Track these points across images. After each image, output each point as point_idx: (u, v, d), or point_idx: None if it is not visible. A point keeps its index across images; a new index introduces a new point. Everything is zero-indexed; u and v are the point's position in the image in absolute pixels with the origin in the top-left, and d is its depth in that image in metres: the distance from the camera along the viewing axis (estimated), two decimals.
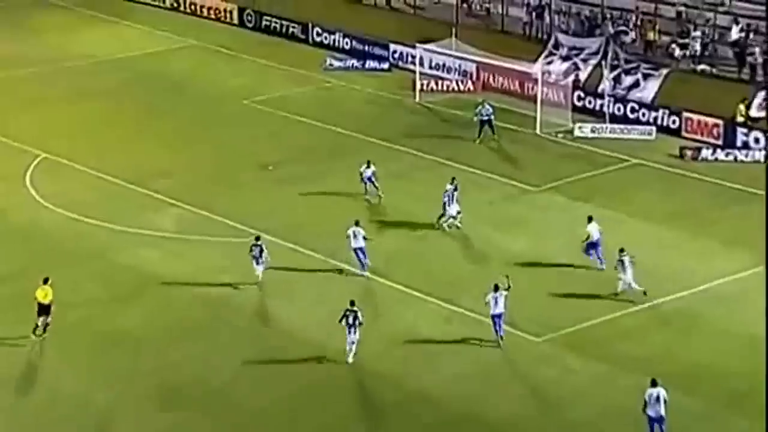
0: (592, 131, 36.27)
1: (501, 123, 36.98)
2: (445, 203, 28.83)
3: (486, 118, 35.32)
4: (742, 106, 35.04)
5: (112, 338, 25.04)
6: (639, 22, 39.08)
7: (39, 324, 24.32)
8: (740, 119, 34.96)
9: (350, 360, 23.62)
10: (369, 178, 30.81)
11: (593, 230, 27.27)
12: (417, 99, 39.39)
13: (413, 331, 25.13)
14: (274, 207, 31.09)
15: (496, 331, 24.26)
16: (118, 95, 40.11)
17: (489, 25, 42.21)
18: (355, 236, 26.68)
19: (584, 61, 39.18)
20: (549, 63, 39.54)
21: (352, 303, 23.91)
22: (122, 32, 47.11)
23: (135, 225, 29.78)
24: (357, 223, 27.16)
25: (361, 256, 26.82)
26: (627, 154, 34.49)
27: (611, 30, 39.45)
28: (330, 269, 27.39)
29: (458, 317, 25.53)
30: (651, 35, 38.67)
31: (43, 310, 24.28)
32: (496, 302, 24.20)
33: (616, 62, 37.98)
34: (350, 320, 23.53)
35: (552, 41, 40.20)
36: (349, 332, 23.52)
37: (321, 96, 40.53)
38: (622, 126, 36.40)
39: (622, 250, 26.08)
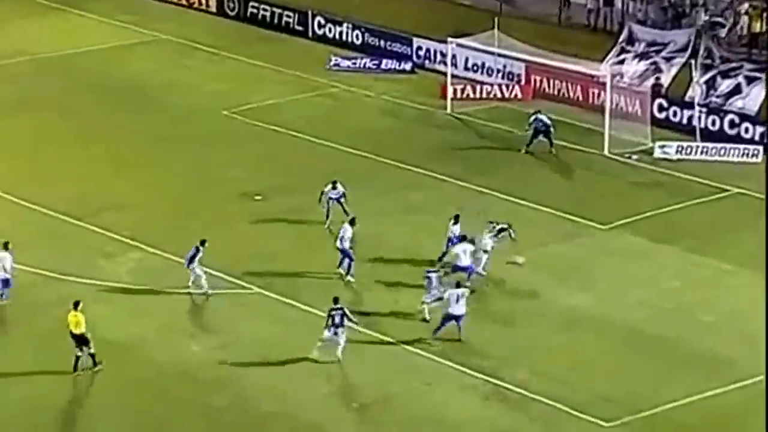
0: (678, 152, 36.12)
1: (559, 141, 36.93)
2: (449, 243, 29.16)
3: (543, 129, 35.40)
4: None
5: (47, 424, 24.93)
6: (741, 10, 38.98)
7: (80, 355, 25.83)
8: None
9: (316, 354, 26.06)
10: (337, 200, 31.53)
11: (460, 251, 28.49)
12: (449, 109, 39.42)
13: (442, 412, 24.98)
14: (263, 248, 31.03)
15: (441, 328, 26.74)
16: (62, 104, 40.17)
17: (543, 14, 42.33)
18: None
19: (667, 60, 39.17)
20: (621, 63, 39.56)
21: (336, 300, 26.08)
22: (69, 23, 47.34)
23: (80, 273, 29.67)
24: (352, 222, 28.97)
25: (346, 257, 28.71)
26: (725, 182, 34.31)
27: (703, 19, 39.45)
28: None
29: (499, 394, 25.41)
30: (757, 26, 38.55)
31: (79, 341, 25.79)
32: (457, 301, 26.42)
33: (709, 61, 37.93)
34: (336, 320, 25.94)
35: (625, 34, 40.24)
36: (328, 330, 25.98)
37: (324, 105, 40.63)
38: (718, 145, 36.21)
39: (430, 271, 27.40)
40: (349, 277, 29.50)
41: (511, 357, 26.51)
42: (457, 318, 26.74)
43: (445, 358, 26.45)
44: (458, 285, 27.09)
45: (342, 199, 31.87)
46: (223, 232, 31.81)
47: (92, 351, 25.92)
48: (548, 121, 35.77)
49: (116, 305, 28.59)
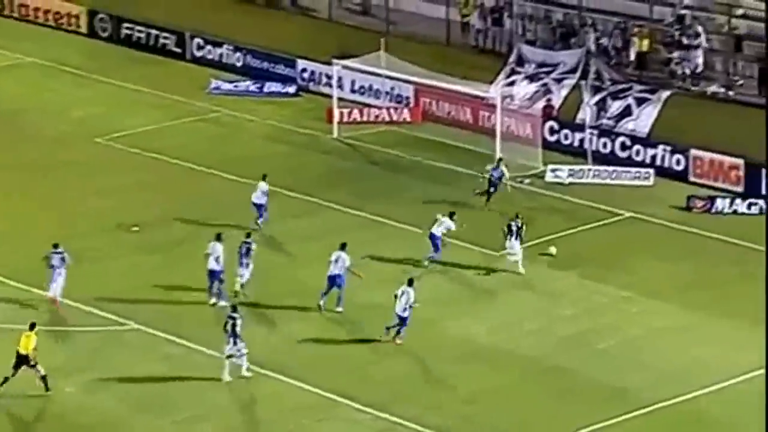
0: (570, 175, 36.82)
1: (447, 165, 37.35)
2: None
3: (495, 180, 34.64)
4: None
5: None
6: (629, 30, 39.95)
7: (10, 377, 25.98)
8: None
9: (226, 377, 26.34)
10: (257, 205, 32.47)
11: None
12: (335, 134, 39.63)
13: None
14: (140, 282, 30.78)
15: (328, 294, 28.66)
16: None
17: (430, 34, 42.81)
18: (211, 253, 29.23)
19: (557, 81, 39.89)
20: (511, 84, 40.20)
21: (234, 308, 26.57)
22: None
23: None
24: (218, 238, 29.31)
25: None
26: (617, 206, 35.06)
27: (593, 40, 40.32)
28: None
29: (391, 430, 25.50)
30: (645, 46, 39.54)
31: (21, 362, 25.93)
32: (336, 261, 28.55)
33: (599, 83, 38.73)
34: (228, 328, 26.29)
35: (514, 55, 40.88)
36: (229, 342, 26.26)
37: (204, 130, 40.52)
38: (609, 168, 37.01)
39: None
40: (215, 299, 29.51)
41: (404, 391, 26.69)
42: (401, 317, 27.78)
43: (335, 393, 26.53)
44: (410, 283, 27.63)
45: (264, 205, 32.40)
46: (98, 265, 31.55)
47: (43, 374, 26.11)
48: (503, 171, 34.65)
49: None
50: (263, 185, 33.31)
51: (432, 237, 31.73)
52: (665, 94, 38.16)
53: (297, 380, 26.87)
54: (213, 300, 29.72)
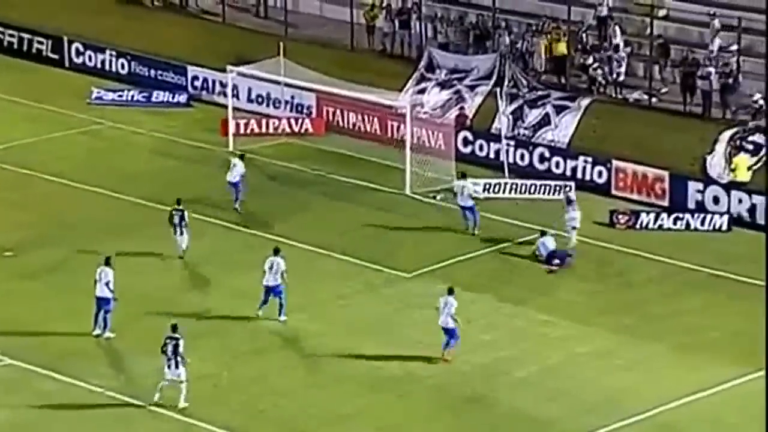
0: (486, 190, 37.13)
1: (354, 180, 37.57)
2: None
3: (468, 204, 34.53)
4: (740, 160, 35.36)
5: None
6: (546, 31, 40.40)
7: None
8: (731, 177, 35.43)
9: (157, 398, 26.68)
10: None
11: None
12: (231, 146, 39.58)
13: None
14: (15, 312, 30.47)
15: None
16: None
17: (333, 38, 42.94)
18: (100, 278, 29.26)
19: (471, 88, 40.25)
20: (421, 92, 40.48)
21: (174, 328, 26.67)
22: None
23: None
24: (107, 262, 29.32)
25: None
26: (536, 222, 35.42)
27: (507, 43, 40.75)
28: (118, 404, 26.98)
29: None
30: (562, 49, 40.01)
31: None
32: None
33: (515, 90, 39.10)
34: (169, 351, 26.49)
35: (424, 60, 41.15)
36: (169, 365, 26.36)
37: (86, 144, 40.29)
38: (527, 182, 37.41)
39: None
40: (107, 333, 29.46)
41: (303, 428, 26.63)
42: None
43: (229, 431, 26.45)
44: (450, 291, 28.66)
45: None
46: None
47: None
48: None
49: None
50: (240, 165, 35.36)
51: (464, 209, 34.01)
52: (585, 101, 38.69)
53: (192, 418, 26.78)
54: (98, 331, 29.54)
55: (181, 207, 32.86)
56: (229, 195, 35.87)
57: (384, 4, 42.73)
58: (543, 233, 33.48)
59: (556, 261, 32.96)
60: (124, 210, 35.84)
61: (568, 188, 36.15)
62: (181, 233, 32.76)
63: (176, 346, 26.54)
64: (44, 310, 30.56)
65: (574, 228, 33.80)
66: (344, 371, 28.68)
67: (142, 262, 32.42)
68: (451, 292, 28.82)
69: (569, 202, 34.55)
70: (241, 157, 36.08)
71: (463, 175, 35.24)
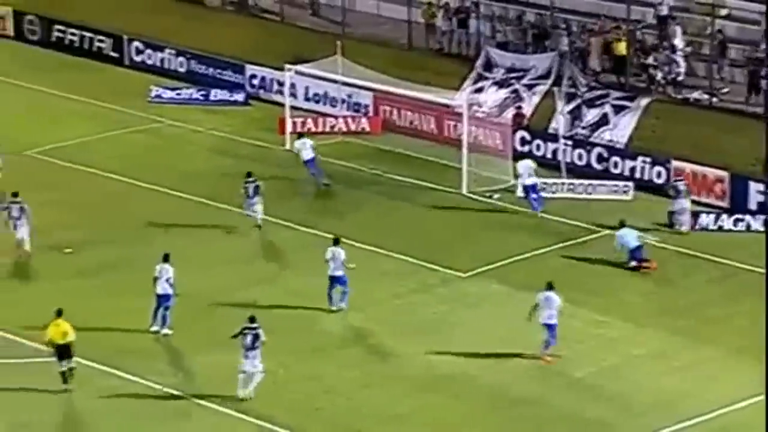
0: (543, 189, 36.96)
1: (411, 179, 37.55)
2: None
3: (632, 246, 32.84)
4: None
5: None
6: (605, 31, 40.18)
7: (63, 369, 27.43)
8: None
9: (242, 394, 26.74)
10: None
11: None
12: (288, 145, 39.65)
13: None
14: (74, 309, 30.63)
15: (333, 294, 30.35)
16: None
17: (390, 37, 42.90)
18: (161, 276, 29.67)
19: (529, 87, 40.09)
20: (479, 91, 40.35)
21: (252, 319, 26.88)
22: None
23: None
24: (166, 259, 29.67)
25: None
26: (593, 223, 35.30)
27: (566, 42, 40.60)
28: (176, 400, 27.12)
29: None
30: (622, 49, 39.78)
31: (64, 352, 27.27)
32: (334, 260, 29.99)
33: (574, 89, 38.96)
34: (248, 341, 26.56)
35: (482, 59, 41.04)
36: (246, 357, 26.55)
37: (144, 143, 40.53)
38: (585, 182, 37.26)
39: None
40: (166, 330, 29.60)
41: (359, 427, 26.66)
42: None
43: (285, 428, 26.55)
44: (550, 287, 28.75)
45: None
46: (27, 290, 31.49)
47: (72, 365, 27.35)
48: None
49: None
50: (308, 141, 36.90)
51: (527, 190, 35.03)
52: (644, 101, 38.43)
53: (248, 415, 26.89)
54: (156, 327, 29.74)
55: (252, 178, 34.10)
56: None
57: (442, 3, 42.71)
58: (622, 225, 33.03)
59: (636, 260, 32.51)
60: (181, 208, 35.99)
61: (675, 180, 35.77)
62: (255, 204, 33.83)
63: (256, 337, 26.75)
64: (102, 307, 30.71)
65: (683, 216, 34.52)
66: (399, 370, 28.64)
67: (199, 260, 32.50)
68: (550, 287, 28.80)
69: (677, 192, 34.89)
70: (300, 135, 37.44)
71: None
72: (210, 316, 30.37)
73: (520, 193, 36.06)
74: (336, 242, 30.66)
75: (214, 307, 30.68)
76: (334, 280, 30.41)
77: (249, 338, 26.80)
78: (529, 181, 35.49)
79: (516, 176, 35.94)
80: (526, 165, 35.77)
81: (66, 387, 27.36)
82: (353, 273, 30.64)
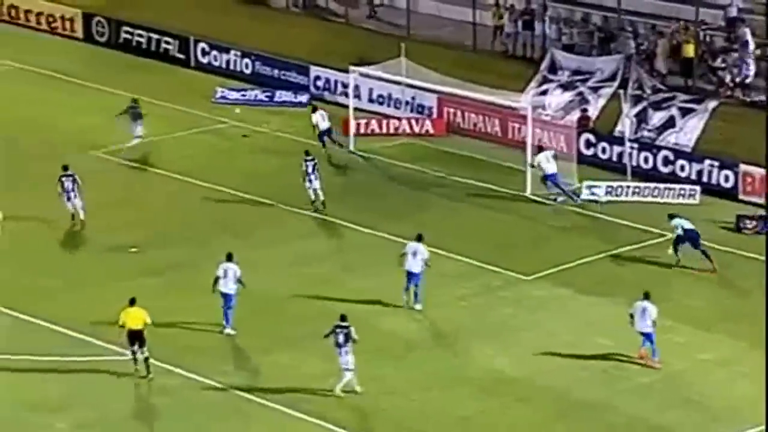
0: (608, 192, 36.65)
1: (475, 181, 37.29)
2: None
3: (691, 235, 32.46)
4: None
5: None
6: (673, 34, 39.79)
7: (136, 357, 27.91)
8: None
9: (338, 392, 26.92)
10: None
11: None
12: (351, 146, 39.58)
13: None
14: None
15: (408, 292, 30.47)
16: None
17: (455, 39, 42.70)
18: (225, 275, 29.58)
19: (594, 90, 39.78)
20: (543, 93, 40.12)
21: (343, 317, 27.00)
22: None
23: None
24: (230, 258, 29.71)
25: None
26: (659, 226, 34.83)
27: (633, 45, 40.21)
28: (238, 399, 27.06)
29: None
30: (690, 52, 39.35)
31: (136, 339, 27.73)
32: (414, 256, 30.18)
33: (640, 92, 38.60)
34: (340, 340, 26.77)
35: (547, 61, 40.80)
36: (340, 355, 26.76)
37: (209, 143, 40.58)
38: (651, 185, 36.83)
39: None
40: (228, 330, 29.63)
41: (421, 430, 26.47)
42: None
43: (347, 429, 26.40)
44: (646, 297, 28.47)
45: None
46: (94, 289, 31.50)
47: (147, 355, 27.69)
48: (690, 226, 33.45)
49: None
50: (322, 114, 38.53)
51: (546, 178, 35.53)
52: (712, 104, 37.96)
53: (312, 417, 26.73)
54: (228, 330, 29.66)
55: (311, 156, 35.26)
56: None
57: (507, 5, 42.54)
58: (671, 217, 32.80)
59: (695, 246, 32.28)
60: (245, 208, 35.96)
61: None
62: (312, 180, 34.98)
63: (347, 335, 26.82)
64: (167, 306, 30.57)
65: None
66: (462, 373, 28.40)
67: (262, 261, 32.40)
68: (647, 297, 28.54)
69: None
70: (315, 110, 38.73)
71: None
72: (274, 317, 30.28)
73: (585, 195, 35.60)
74: (420, 238, 30.56)
75: (278, 308, 30.59)
76: (409, 277, 30.36)
77: (341, 336, 26.93)
78: (550, 170, 35.85)
79: (533, 166, 36.28)
80: (544, 156, 36.13)
81: (149, 376, 27.72)
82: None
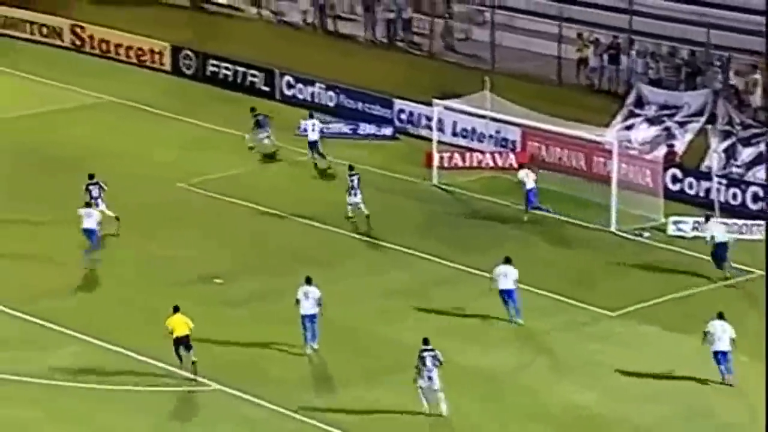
0: (695, 228, 35.99)
1: (558, 215, 36.95)
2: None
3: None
4: None
5: None
6: (762, 67, 39.16)
7: (182, 360, 28.89)
8: None
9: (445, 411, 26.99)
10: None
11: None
12: (435, 180, 39.34)
13: None
14: (222, 338, 30.60)
15: (509, 309, 30.86)
16: None
17: (540, 72, 42.51)
18: (306, 297, 29.93)
19: (681, 125, 39.25)
20: (629, 128, 39.64)
21: (426, 341, 27.27)
22: None
23: (3, 367, 29.18)
24: (309, 281, 30.07)
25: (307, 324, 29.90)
26: (751, 264, 34.05)
27: (721, 80, 39.63)
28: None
29: None
30: None
31: (183, 344, 28.78)
32: (505, 276, 30.41)
33: (728, 127, 37.98)
34: (427, 363, 27.05)
35: (633, 96, 40.37)
36: (430, 379, 27.00)
37: (293, 175, 40.52)
38: (740, 221, 36.11)
39: None
40: (311, 345, 29.72)
41: None
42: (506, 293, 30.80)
43: None
44: (721, 316, 28.65)
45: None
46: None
47: (195, 360, 28.51)
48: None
49: (46, 407, 27.99)
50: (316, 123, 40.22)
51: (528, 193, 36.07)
52: None
53: None
54: (308, 348, 29.68)
55: (355, 171, 36.32)
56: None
57: (592, 39, 42.27)
58: (707, 218, 32.80)
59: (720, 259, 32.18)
60: (328, 240, 35.78)
61: None
62: (355, 194, 36.03)
63: (434, 357, 27.03)
64: (249, 337, 30.58)
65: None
66: (542, 408, 27.86)
67: (344, 292, 32.17)
68: (721, 317, 28.51)
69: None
70: (311, 116, 40.47)
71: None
72: (356, 349, 29.98)
73: (672, 230, 35.23)
74: (507, 261, 30.95)
75: (360, 340, 30.30)
76: (504, 295, 30.78)
77: (428, 360, 27.06)
78: (529, 185, 36.43)
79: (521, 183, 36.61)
80: (524, 172, 36.77)
81: (195, 378, 28.32)
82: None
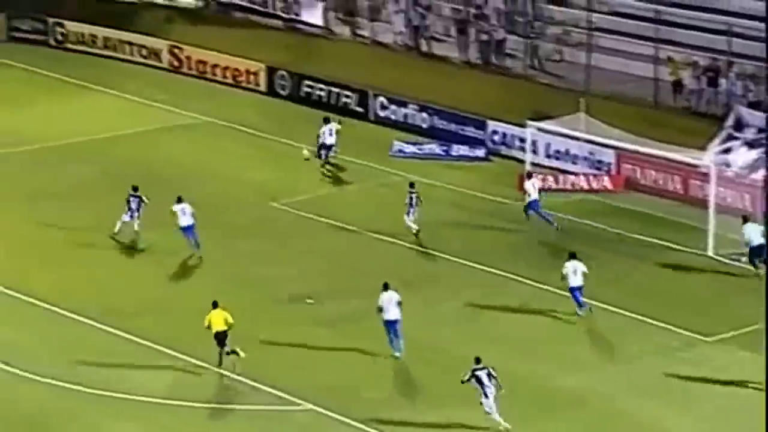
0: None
1: (655, 240, 36.21)
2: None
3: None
4: None
5: None
6: None
7: (222, 362, 29.63)
8: None
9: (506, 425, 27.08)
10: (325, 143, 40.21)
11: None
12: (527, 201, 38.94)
13: None
14: (315, 359, 30.45)
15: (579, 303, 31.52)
16: (82, 195, 39.86)
17: (635, 94, 41.80)
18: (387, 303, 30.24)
19: None
20: (727, 151, 38.84)
21: (478, 360, 27.35)
22: (101, 103, 47.60)
23: (98, 384, 29.27)
24: (386, 287, 30.42)
25: None
26: None
27: None
28: None
29: None
30: None
31: (221, 337, 29.50)
32: (575, 273, 31.25)
33: None
34: (484, 381, 27.15)
35: (732, 118, 39.55)
36: (486, 396, 27.04)
37: (384, 196, 40.27)
38: None
39: None
40: (397, 354, 29.79)
41: None
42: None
43: None
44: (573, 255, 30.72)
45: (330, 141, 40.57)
46: (268, 339, 31.19)
47: (228, 350, 29.32)
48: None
49: (143, 424, 28.05)
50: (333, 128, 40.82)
51: (529, 205, 36.71)
52: None
53: None
54: (397, 354, 29.75)
55: (414, 189, 36.42)
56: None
57: (690, 61, 41.61)
58: (745, 220, 33.00)
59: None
60: (419, 261, 35.48)
61: None
62: (412, 212, 36.26)
63: (489, 374, 27.09)
64: (339, 357, 30.41)
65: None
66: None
67: (434, 314, 31.97)
68: (573, 256, 29.73)
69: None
70: (327, 121, 41.02)
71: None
72: (443, 369, 29.46)
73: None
74: (573, 256, 31.94)
75: (447, 360, 29.83)
76: (577, 291, 31.71)
77: (484, 377, 27.11)
78: (533, 197, 36.63)
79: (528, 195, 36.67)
80: (531, 183, 36.93)
81: (221, 370, 29.23)
82: (592, 330, 29.78)
